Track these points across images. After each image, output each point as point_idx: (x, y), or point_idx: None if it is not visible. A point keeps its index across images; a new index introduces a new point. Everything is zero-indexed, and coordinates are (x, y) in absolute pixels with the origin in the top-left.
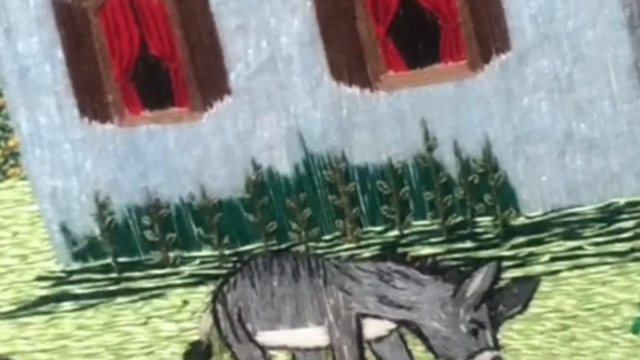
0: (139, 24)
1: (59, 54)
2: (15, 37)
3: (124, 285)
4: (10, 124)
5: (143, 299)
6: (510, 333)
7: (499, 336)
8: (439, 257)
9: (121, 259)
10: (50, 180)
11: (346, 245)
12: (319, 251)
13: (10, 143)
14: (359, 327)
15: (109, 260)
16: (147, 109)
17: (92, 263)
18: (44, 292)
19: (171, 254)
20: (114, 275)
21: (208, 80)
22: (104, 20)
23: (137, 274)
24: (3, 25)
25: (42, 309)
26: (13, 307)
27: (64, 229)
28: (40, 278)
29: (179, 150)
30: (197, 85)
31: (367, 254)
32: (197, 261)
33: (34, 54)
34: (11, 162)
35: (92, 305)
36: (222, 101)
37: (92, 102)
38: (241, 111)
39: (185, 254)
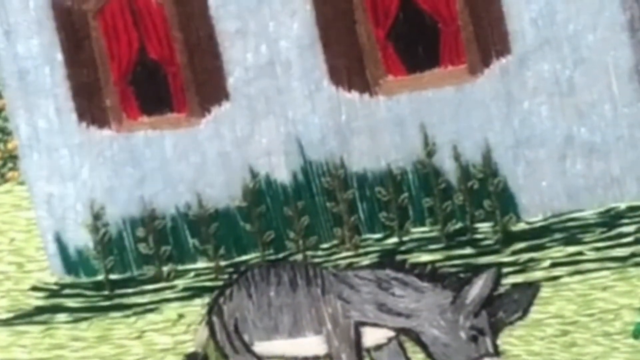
0: (138, 27)
1: (59, 56)
2: (15, 39)
3: (116, 301)
4: (10, 127)
5: (136, 314)
6: (511, 339)
7: (499, 342)
8: (438, 264)
9: (113, 276)
10: (46, 185)
11: (344, 253)
12: (317, 260)
13: (9, 146)
14: (358, 336)
15: (100, 277)
16: (145, 114)
17: (84, 279)
18: (39, 303)
19: (165, 268)
20: (106, 292)
21: (207, 85)
22: (103, 23)
23: (130, 290)
24: (3, 27)
25: (38, 318)
26: (10, 315)
27: (58, 239)
28: (35, 288)
29: (176, 157)
30: (196, 90)
31: (365, 261)
32: (192, 274)
33: (34, 56)
34: (10, 165)
35: (86, 319)
36: (220, 106)
37: (90, 106)
38: (239, 116)
39: (180, 267)
